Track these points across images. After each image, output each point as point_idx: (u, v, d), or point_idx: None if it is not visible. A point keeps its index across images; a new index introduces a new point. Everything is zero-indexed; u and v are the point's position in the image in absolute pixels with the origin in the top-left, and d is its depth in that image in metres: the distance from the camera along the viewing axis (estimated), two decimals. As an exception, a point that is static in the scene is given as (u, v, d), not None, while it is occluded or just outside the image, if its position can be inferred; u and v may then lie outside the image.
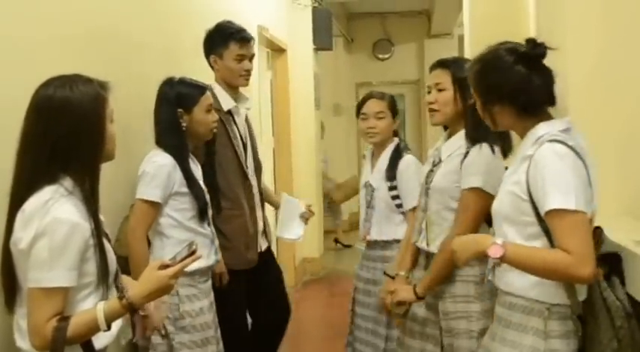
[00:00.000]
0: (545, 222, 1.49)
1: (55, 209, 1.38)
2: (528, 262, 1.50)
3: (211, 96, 2.27)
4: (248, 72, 2.60)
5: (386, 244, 2.53)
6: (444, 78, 2.04)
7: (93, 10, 2.17)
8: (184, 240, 2.03)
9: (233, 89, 2.62)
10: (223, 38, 2.57)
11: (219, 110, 2.49)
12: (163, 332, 2.06)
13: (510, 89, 1.58)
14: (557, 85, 1.62)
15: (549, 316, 1.52)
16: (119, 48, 2.33)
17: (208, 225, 2.22)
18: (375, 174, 2.58)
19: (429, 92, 2.09)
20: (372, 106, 2.53)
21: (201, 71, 2.60)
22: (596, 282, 1.53)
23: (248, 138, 2.66)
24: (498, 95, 1.60)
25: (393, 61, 8.93)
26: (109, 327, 1.41)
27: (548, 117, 1.60)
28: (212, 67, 2.64)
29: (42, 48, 1.84)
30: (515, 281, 1.57)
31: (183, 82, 2.21)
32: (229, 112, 2.59)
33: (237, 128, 2.60)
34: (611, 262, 1.61)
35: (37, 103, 1.44)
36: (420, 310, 2.09)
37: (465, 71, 1.91)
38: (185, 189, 2.12)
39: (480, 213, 1.90)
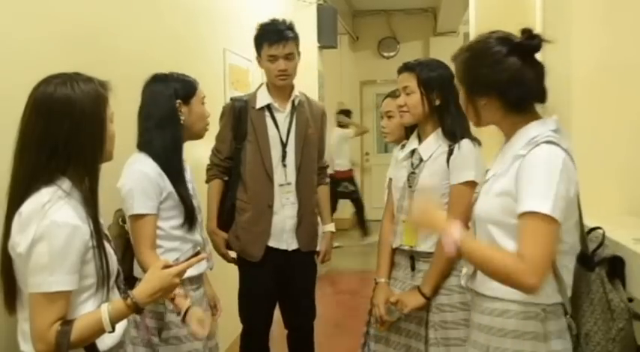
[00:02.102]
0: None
1: (53, 212, 1.35)
2: (478, 260, 1.45)
3: (202, 91, 2.17)
4: (282, 71, 2.59)
5: None
6: (411, 81, 2.10)
7: (93, 9, 2.15)
8: (172, 249, 2.01)
9: (279, 88, 2.65)
10: (258, 40, 2.63)
11: (253, 107, 2.61)
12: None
13: (501, 82, 1.47)
14: (550, 81, 1.54)
15: (546, 317, 1.47)
16: (119, 48, 2.31)
17: (199, 231, 2.14)
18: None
19: (399, 95, 2.16)
20: (384, 105, 2.53)
21: (205, 71, 2.60)
22: (602, 284, 1.51)
23: (292, 136, 2.66)
24: (486, 87, 1.49)
25: (398, 59, 8.86)
26: (113, 328, 1.40)
27: (536, 115, 1.52)
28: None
29: (40, 47, 1.83)
30: (502, 286, 1.46)
31: (175, 75, 2.11)
32: (268, 110, 2.64)
33: (277, 125, 2.64)
34: (614, 264, 1.58)
35: (37, 101, 1.40)
36: None
37: (428, 72, 2.06)
38: (172, 197, 2.00)
39: (472, 205, 1.93)
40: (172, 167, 2.01)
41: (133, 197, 1.94)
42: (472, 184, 1.95)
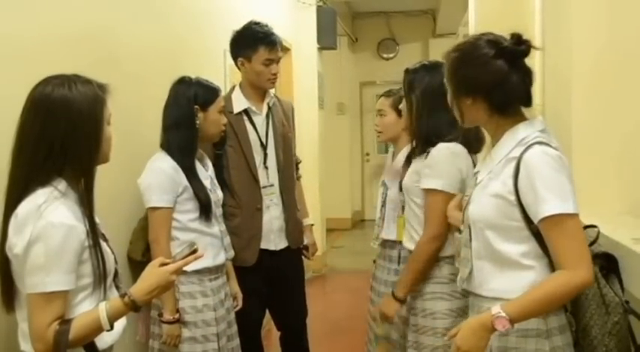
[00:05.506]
0: (538, 227, 1.44)
1: (49, 213, 1.36)
2: (537, 307, 1.43)
3: (222, 99, 2.31)
4: (275, 75, 2.64)
5: (394, 244, 2.53)
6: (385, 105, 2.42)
7: (93, 9, 2.15)
8: (188, 241, 2.05)
9: (259, 90, 2.67)
10: (252, 41, 2.60)
11: (230, 112, 2.57)
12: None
13: (485, 84, 1.50)
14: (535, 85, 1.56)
15: (547, 314, 1.48)
16: (120, 49, 2.31)
17: (218, 224, 2.24)
18: (388, 173, 2.60)
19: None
20: (378, 104, 2.57)
21: (205, 72, 2.59)
22: (595, 279, 1.52)
23: (271, 138, 2.68)
24: (472, 88, 1.52)
25: (397, 60, 8.87)
26: (111, 327, 1.41)
27: (522, 117, 1.54)
28: (239, 68, 2.69)
29: (40, 48, 1.83)
30: (502, 286, 1.50)
31: (199, 81, 2.23)
32: (246, 114, 2.64)
33: (256, 129, 2.65)
34: (609, 261, 1.61)
35: (35, 101, 1.41)
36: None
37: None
38: (188, 190, 2.13)
39: (445, 212, 1.94)
40: (185, 165, 2.14)
41: (151, 191, 2.11)
42: (439, 193, 1.95)
